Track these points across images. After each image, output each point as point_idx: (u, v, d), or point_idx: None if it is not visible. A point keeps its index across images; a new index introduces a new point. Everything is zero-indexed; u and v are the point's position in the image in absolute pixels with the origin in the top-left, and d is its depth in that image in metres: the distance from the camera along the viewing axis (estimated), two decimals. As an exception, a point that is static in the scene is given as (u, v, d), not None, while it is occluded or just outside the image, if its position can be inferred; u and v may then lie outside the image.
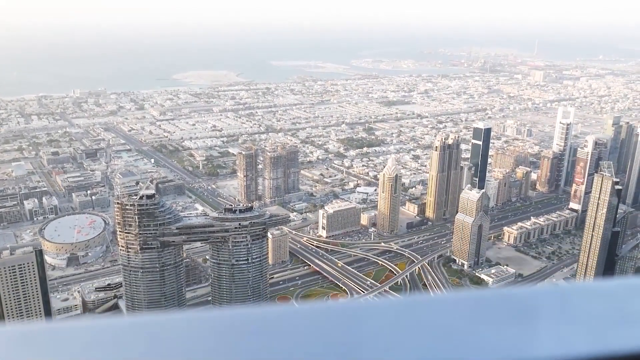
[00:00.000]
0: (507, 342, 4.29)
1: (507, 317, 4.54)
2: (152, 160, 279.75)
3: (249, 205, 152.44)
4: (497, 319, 4.51)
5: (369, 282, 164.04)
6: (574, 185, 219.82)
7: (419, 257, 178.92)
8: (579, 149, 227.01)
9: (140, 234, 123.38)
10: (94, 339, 4.20)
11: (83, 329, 4.35)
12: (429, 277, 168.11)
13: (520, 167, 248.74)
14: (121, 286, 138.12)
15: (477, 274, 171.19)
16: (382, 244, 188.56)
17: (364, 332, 4.34)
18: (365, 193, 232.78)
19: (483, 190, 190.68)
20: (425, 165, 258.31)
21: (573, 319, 4.57)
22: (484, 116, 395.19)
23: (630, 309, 4.70)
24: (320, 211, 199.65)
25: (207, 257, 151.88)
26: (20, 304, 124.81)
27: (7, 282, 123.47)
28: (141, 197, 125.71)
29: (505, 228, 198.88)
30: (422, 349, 4.21)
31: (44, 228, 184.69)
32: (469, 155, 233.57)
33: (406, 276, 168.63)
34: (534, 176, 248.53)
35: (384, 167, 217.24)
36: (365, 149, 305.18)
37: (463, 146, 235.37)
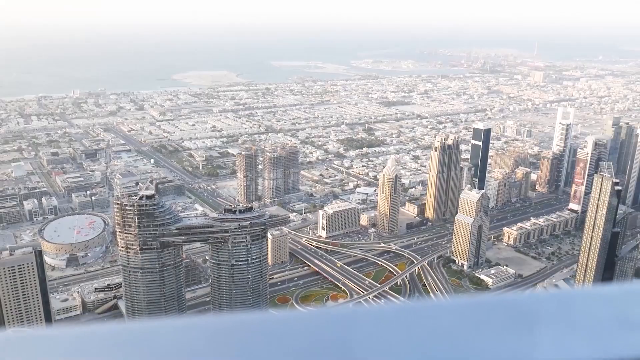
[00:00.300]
0: (509, 348, 4.34)
1: (509, 324, 4.54)
2: (152, 160, 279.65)
3: (249, 205, 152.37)
4: (500, 325, 4.53)
5: (367, 282, 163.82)
6: (573, 185, 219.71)
7: (418, 257, 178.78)
8: (578, 149, 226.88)
9: (139, 234, 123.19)
10: (90, 347, 4.26)
11: (81, 335, 4.38)
12: (429, 278, 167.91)
13: (520, 167, 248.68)
14: (121, 287, 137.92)
15: (476, 274, 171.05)
16: (382, 245, 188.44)
17: (367, 338, 4.34)
18: (365, 193, 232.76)
19: (483, 191, 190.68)
20: (425, 166, 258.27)
21: (575, 325, 4.57)
22: (483, 117, 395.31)
23: (633, 315, 4.67)
24: (320, 212, 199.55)
25: (207, 257, 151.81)
26: (20, 304, 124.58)
27: (6, 283, 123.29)
28: (141, 198, 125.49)
29: (505, 229, 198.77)
30: (425, 355, 4.30)
31: (44, 228, 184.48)
32: (468, 156, 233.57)
33: (406, 277, 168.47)
34: (533, 177, 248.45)
35: (384, 167, 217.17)
36: (365, 149, 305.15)
37: (463, 147, 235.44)
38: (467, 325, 4.43)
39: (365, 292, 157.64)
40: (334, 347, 4.22)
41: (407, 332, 4.35)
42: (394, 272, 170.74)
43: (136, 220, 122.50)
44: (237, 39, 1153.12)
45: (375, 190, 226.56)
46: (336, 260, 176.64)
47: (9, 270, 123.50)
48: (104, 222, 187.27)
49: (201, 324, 4.40)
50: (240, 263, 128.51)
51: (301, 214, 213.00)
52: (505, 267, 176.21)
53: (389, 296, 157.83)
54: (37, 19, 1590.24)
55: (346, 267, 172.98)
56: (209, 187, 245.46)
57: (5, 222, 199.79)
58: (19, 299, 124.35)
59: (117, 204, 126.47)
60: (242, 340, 4.27)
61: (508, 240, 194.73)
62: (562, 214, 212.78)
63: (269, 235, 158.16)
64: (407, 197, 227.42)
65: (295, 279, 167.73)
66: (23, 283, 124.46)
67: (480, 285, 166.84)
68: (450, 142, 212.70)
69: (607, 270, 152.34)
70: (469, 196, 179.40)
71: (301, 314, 4.78)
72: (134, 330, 4.38)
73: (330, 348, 4.21)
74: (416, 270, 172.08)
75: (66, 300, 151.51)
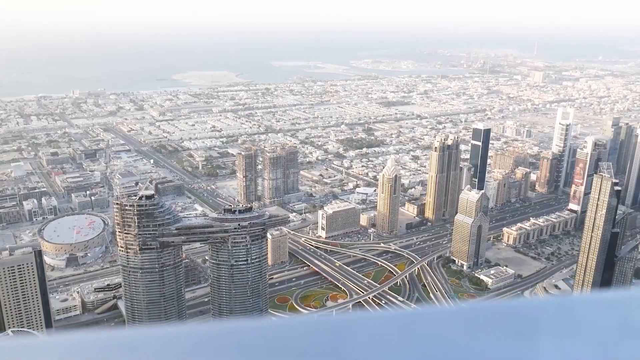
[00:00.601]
0: (511, 354, 4.32)
1: (511, 331, 4.52)
2: (152, 160, 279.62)
3: (249, 205, 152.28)
4: (502, 332, 4.50)
5: (366, 282, 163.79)
6: (573, 186, 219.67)
7: (418, 257, 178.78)
8: (578, 149, 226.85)
9: (139, 234, 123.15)
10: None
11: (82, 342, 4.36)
12: (428, 278, 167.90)
13: (519, 167, 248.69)
14: (120, 287, 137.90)
15: (476, 274, 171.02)
16: (382, 245, 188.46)
17: (368, 343, 4.31)
18: (365, 194, 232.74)
19: (482, 191, 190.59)
20: (425, 166, 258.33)
21: (577, 332, 4.54)
22: (483, 117, 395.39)
23: (635, 321, 4.65)
24: (320, 212, 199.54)
25: (207, 257, 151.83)
26: (20, 304, 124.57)
27: (6, 283, 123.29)
28: (140, 198, 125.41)
29: (505, 229, 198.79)
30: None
31: (43, 228, 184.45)
32: (468, 156, 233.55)
33: (405, 277, 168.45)
34: (533, 177, 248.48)
35: (384, 167, 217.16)
36: (364, 149, 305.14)
37: (462, 147, 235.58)
38: (469, 333, 4.42)
39: (364, 292, 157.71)
40: (335, 354, 4.22)
41: (410, 339, 4.35)
42: (394, 272, 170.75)
43: (136, 220, 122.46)
44: (237, 39, 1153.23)
45: (375, 191, 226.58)
46: (335, 260, 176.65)
47: (8, 271, 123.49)
48: (104, 222, 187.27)
49: (199, 331, 4.40)
50: (239, 263, 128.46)
51: (301, 214, 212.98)
52: (504, 267, 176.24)
53: (388, 296, 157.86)
54: (37, 19, 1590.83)
55: (345, 267, 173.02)
56: (208, 187, 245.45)
57: (5, 222, 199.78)
58: (19, 299, 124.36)
59: (117, 204, 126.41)
60: (240, 347, 4.28)
61: (507, 241, 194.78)
62: (562, 214, 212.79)
63: (268, 236, 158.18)
64: (406, 197, 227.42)
65: (295, 279, 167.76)
66: (23, 283, 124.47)
67: (479, 285, 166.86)
68: (449, 142, 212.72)
69: (607, 270, 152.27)
70: (469, 196, 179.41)
71: (298, 320, 4.84)
72: (130, 338, 4.40)
73: (331, 355, 4.23)
74: (416, 271, 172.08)
75: (66, 300, 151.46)
